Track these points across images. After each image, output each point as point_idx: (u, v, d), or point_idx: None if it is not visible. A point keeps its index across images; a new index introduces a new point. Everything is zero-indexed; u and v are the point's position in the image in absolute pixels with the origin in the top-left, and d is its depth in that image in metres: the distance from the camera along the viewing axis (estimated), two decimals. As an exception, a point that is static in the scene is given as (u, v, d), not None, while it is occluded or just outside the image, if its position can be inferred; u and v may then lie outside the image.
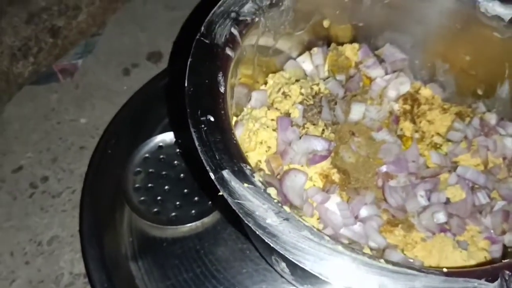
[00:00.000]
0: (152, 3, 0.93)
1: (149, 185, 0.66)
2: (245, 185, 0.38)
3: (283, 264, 0.48)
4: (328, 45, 0.65)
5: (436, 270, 0.35)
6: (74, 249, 0.65)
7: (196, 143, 0.40)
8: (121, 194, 0.64)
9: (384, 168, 0.54)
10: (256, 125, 0.55)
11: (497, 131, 0.58)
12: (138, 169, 0.67)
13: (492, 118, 0.60)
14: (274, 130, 0.55)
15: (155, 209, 0.63)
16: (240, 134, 0.54)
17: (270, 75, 0.62)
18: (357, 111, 0.58)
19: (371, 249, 0.50)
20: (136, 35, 0.88)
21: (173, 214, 0.63)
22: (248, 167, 0.40)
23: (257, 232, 0.36)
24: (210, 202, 0.63)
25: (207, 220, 0.62)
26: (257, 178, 0.39)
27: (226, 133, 0.42)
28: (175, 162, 0.67)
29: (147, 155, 0.68)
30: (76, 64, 0.82)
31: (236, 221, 0.59)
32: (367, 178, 0.54)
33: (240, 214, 0.36)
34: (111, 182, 0.66)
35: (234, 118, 0.57)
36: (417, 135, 0.59)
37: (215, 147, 0.41)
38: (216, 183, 0.38)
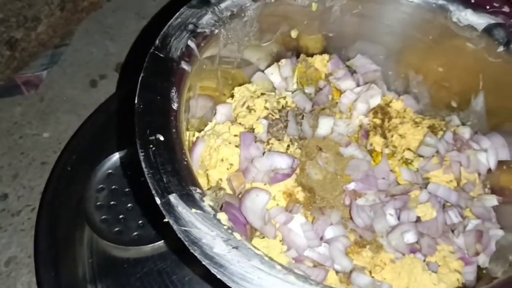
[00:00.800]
0: (122, 12, 0.91)
1: (112, 202, 0.63)
2: (193, 210, 0.36)
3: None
4: (298, 56, 0.63)
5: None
6: (31, 270, 0.63)
7: (143, 165, 0.38)
8: (82, 212, 0.62)
9: (352, 186, 0.52)
10: (217, 141, 0.53)
11: (471, 145, 0.57)
12: (101, 185, 0.64)
13: (465, 132, 0.58)
14: (237, 146, 0.53)
15: (117, 229, 0.61)
16: (201, 151, 0.52)
17: (236, 88, 0.60)
18: (325, 126, 0.56)
19: (337, 272, 0.48)
20: (105, 45, 0.86)
21: (136, 233, 0.61)
22: (198, 190, 0.38)
23: (203, 262, 0.33)
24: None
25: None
26: (207, 203, 0.37)
27: (176, 154, 0.40)
28: (142, 178, 0.65)
29: (110, 171, 0.66)
30: (40, 76, 0.80)
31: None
32: (334, 196, 0.52)
33: (185, 243, 0.34)
34: (71, 200, 0.63)
35: (196, 134, 0.55)
36: (387, 150, 0.58)
37: (163, 169, 0.39)
38: (161, 208, 0.36)
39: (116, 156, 0.66)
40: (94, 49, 0.86)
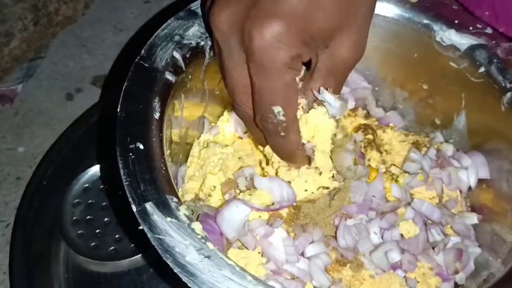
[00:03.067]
0: (99, 25, 0.93)
1: (88, 217, 0.65)
2: (168, 219, 0.38)
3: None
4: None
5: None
6: (6, 287, 0.63)
7: (121, 173, 0.40)
8: (57, 228, 0.63)
9: (353, 208, 0.54)
10: (223, 151, 0.55)
11: (452, 163, 0.59)
12: (77, 200, 0.66)
13: (448, 149, 0.61)
14: (240, 158, 0.55)
15: (94, 243, 0.63)
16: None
17: (225, 113, 0.61)
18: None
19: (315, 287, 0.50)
20: (82, 58, 0.89)
21: (112, 248, 0.62)
22: (175, 199, 0.40)
23: (175, 270, 0.35)
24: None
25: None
26: (182, 212, 0.39)
27: (155, 162, 0.42)
28: (119, 192, 0.66)
29: (87, 185, 0.67)
30: (15, 90, 0.82)
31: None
32: (324, 216, 0.54)
33: (159, 250, 0.36)
34: (47, 215, 0.65)
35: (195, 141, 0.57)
36: (382, 167, 0.60)
37: (141, 177, 0.40)
38: (137, 216, 0.38)
39: (92, 170, 0.68)
40: (71, 62, 0.88)
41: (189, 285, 0.35)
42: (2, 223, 0.69)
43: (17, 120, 0.80)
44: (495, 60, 0.52)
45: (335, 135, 0.50)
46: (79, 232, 0.63)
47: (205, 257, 0.36)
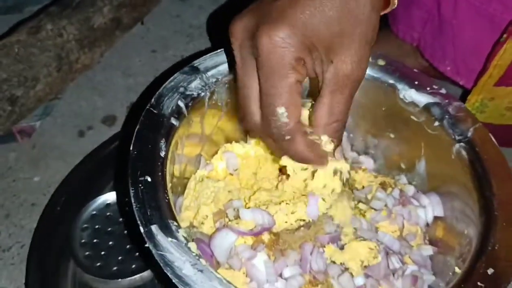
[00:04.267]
0: (110, 71, 1.01)
1: (95, 240, 0.71)
2: (169, 239, 0.45)
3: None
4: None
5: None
6: (19, 301, 0.69)
7: (132, 200, 0.47)
8: (68, 249, 0.69)
9: (326, 239, 0.59)
10: (216, 185, 0.62)
11: (412, 202, 0.65)
12: (86, 225, 0.72)
13: (410, 190, 0.67)
14: (230, 191, 0.61)
15: (99, 264, 0.68)
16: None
17: (219, 152, 0.68)
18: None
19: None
20: (93, 100, 0.95)
21: (115, 268, 0.68)
22: (175, 223, 0.47)
23: (173, 281, 0.42)
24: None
25: (146, 274, 0.67)
26: (181, 234, 0.46)
27: (159, 193, 0.49)
28: (121, 219, 0.73)
29: (94, 212, 0.74)
30: (34, 126, 0.89)
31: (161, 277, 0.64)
32: (298, 244, 0.59)
33: (161, 264, 0.43)
34: (58, 237, 0.71)
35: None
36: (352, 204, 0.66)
37: (148, 204, 0.47)
38: (144, 236, 0.45)
39: (100, 199, 0.75)
40: (84, 103, 0.95)
41: (185, 293, 0.42)
42: (18, 244, 0.75)
43: (34, 153, 0.86)
44: (447, 116, 0.59)
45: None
46: (87, 253, 0.69)
47: (198, 270, 0.43)
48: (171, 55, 1.06)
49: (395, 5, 0.50)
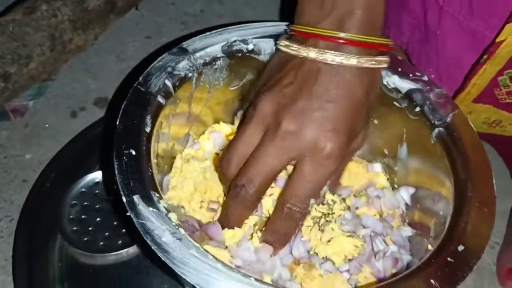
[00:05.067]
0: (104, 54, 1.01)
1: (83, 216, 0.72)
2: (150, 209, 0.45)
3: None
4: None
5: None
6: (6, 271, 0.70)
7: (116, 171, 0.48)
8: (56, 224, 0.70)
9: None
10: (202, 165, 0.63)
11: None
12: (74, 202, 0.73)
13: None
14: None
15: (86, 238, 0.69)
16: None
17: (206, 132, 0.69)
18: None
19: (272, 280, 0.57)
20: (87, 82, 0.96)
21: (102, 243, 0.69)
22: (157, 194, 0.47)
23: (152, 247, 0.43)
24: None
25: (132, 250, 0.69)
26: (162, 204, 0.46)
27: (143, 166, 0.50)
28: (111, 197, 0.74)
29: (83, 189, 0.74)
30: (27, 105, 0.89)
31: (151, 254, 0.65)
32: None
33: (141, 232, 0.44)
34: (47, 212, 0.72)
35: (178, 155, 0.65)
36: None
37: (132, 176, 0.48)
38: (126, 205, 0.45)
39: (89, 177, 0.75)
40: (77, 85, 0.95)
41: (162, 259, 0.42)
42: (8, 218, 0.75)
43: (26, 132, 0.87)
44: (427, 102, 0.59)
45: None
46: (74, 228, 0.70)
47: (177, 239, 0.44)
48: (165, 42, 1.07)
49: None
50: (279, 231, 0.54)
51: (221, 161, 0.55)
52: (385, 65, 0.52)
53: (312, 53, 0.49)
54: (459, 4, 0.68)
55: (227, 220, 0.54)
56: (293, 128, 0.48)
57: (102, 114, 0.90)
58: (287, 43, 0.53)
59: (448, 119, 0.58)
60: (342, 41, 0.49)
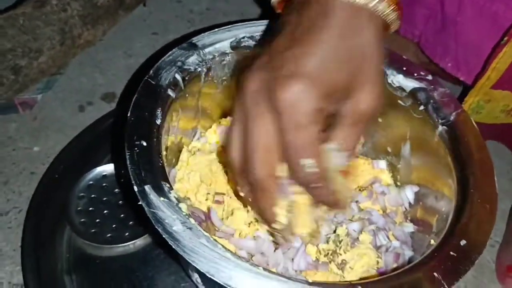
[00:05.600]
0: (112, 50, 1.02)
1: (90, 208, 0.73)
2: (161, 198, 0.47)
3: (196, 275, 0.56)
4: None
5: (303, 280, 0.44)
6: (15, 262, 0.71)
7: (127, 162, 0.49)
8: (64, 215, 0.71)
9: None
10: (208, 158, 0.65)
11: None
12: (82, 194, 0.74)
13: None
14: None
15: (93, 230, 0.70)
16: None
17: (213, 125, 0.70)
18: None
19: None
20: (94, 77, 0.97)
21: (109, 235, 0.70)
22: (167, 185, 0.48)
23: (164, 236, 0.44)
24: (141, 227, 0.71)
25: (139, 242, 0.70)
26: (172, 194, 0.48)
27: (153, 156, 0.51)
28: (116, 190, 0.75)
29: (91, 182, 0.76)
30: (35, 99, 0.90)
31: (161, 242, 0.66)
32: None
33: (152, 221, 0.45)
34: (55, 204, 0.73)
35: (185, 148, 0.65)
36: None
37: (143, 167, 0.49)
38: (137, 194, 0.46)
39: (97, 170, 0.77)
40: (85, 80, 0.96)
41: (173, 247, 0.43)
42: (16, 209, 0.76)
43: (34, 124, 0.88)
44: (431, 101, 0.60)
45: None
46: (82, 220, 0.71)
47: (187, 228, 0.45)
48: (171, 39, 1.07)
49: (398, 26, 0.51)
50: (316, 197, 0.51)
51: (226, 154, 0.54)
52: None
53: None
54: None
55: (264, 217, 0.53)
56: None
57: (110, 109, 0.91)
58: None
59: (452, 118, 0.60)
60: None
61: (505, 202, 0.83)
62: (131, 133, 0.52)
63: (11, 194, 0.78)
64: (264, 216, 0.52)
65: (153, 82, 0.58)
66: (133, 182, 0.47)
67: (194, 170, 0.63)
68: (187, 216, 0.46)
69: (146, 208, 0.46)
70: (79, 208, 0.73)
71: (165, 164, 0.53)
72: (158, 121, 0.55)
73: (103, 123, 0.84)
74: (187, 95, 0.62)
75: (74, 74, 0.97)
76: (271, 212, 0.51)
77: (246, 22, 0.66)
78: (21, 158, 0.83)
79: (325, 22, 0.45)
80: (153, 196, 0.47)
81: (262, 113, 0.46)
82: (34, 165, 0.82)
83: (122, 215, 0.72)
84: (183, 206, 0.47)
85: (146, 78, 0.58)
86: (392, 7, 0.48)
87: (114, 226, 0.71)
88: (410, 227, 0.64)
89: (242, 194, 0.53)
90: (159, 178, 0.49)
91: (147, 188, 0.47)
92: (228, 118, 0.70)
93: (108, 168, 0.77)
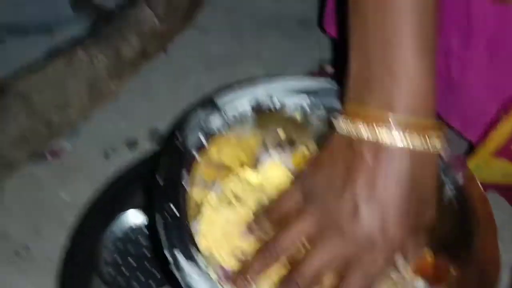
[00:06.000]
0: (134, 96, 1.06)
1: (118, 260, 0.76)
2: (191, 263, 0.50)
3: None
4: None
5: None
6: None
7: (157, 225, 0.52)
8: (94, 266, 0.75)
9: None
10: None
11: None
12: (110, 245, 0.77)
13: None
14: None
15: (122, 282, 0.74)
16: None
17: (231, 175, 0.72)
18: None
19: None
20: (118, 124, 1.01)
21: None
22: (194, 248, 0.52)
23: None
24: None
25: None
26: (200, 259, 0.51)
27: (181, 218, 0.54)
28: (144, 243, 0.78)
29: (120, 233, 0.79)
30: (64, 147, 0.95)
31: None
32: None
33: (181, 283, 0.48)
34: (86, 255, 0.76)
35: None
36: None
37: (172, 230, 0.52)
38: (168, 258, 0.50)
39: (125, 220, 0.80)
40: (109, 127, 1.00)
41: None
42: (47, 258, 0.81)
43: (62, 172, 0.92)
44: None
45: None
46: (110, 270, 0.75)
47: (216, 293, 0.48)
48: (192, 84, 1.11)
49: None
50: None
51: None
52: (439, 146, 0.50)
53: (363, 133, 0.48)
54: (480, 56, 0.71)
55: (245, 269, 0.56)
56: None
57: (132, 155, 0.95)
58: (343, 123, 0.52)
59: (459, 180, 0.61)
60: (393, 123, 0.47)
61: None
62: (160, 195, 0.55)
63: (41, 242, 0.82)
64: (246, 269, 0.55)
65: (178, 144, 0.61)
66: (163, 245, 0.50)
67: (216, 225, 0.66)
68: (216, 282, 0.49)
69: (176, 273, 0.49)
70: (107, 259, 0.76)
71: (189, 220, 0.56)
72: (184, 181, 0.58)
73: (128, 172, 0.86)
74: (210, 154, 0.65)
75: (99, 122, 1.01)
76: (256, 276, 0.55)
77: (264, 78, 0.69)
78: (49, 205, 0.87)
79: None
80: (182, 260, 0.50)
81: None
82: (62, 212, 0.86)
83: (150, 267, 0.76)
84: (211, 271, 0.50)
85: (172, 139, 0.61)
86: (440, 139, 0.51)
87: (142, 279, 0.74)
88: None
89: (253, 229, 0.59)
90: (188, 243, 0.52)
91: (177, 252, 0.50)
92: (245, 168, 0.73)
93: (136, 219, 0.80)
